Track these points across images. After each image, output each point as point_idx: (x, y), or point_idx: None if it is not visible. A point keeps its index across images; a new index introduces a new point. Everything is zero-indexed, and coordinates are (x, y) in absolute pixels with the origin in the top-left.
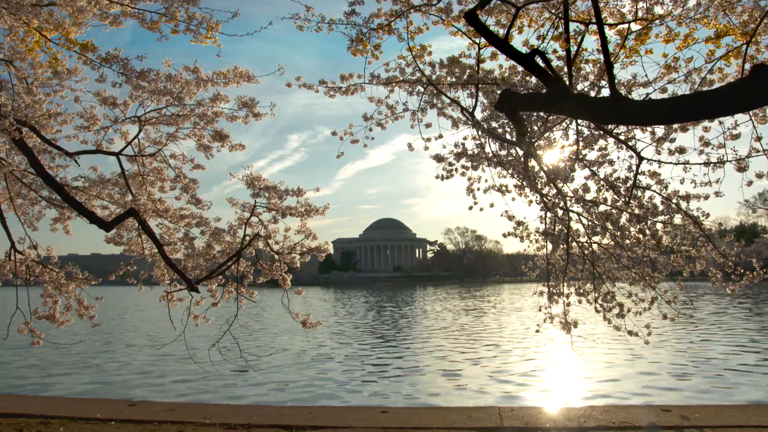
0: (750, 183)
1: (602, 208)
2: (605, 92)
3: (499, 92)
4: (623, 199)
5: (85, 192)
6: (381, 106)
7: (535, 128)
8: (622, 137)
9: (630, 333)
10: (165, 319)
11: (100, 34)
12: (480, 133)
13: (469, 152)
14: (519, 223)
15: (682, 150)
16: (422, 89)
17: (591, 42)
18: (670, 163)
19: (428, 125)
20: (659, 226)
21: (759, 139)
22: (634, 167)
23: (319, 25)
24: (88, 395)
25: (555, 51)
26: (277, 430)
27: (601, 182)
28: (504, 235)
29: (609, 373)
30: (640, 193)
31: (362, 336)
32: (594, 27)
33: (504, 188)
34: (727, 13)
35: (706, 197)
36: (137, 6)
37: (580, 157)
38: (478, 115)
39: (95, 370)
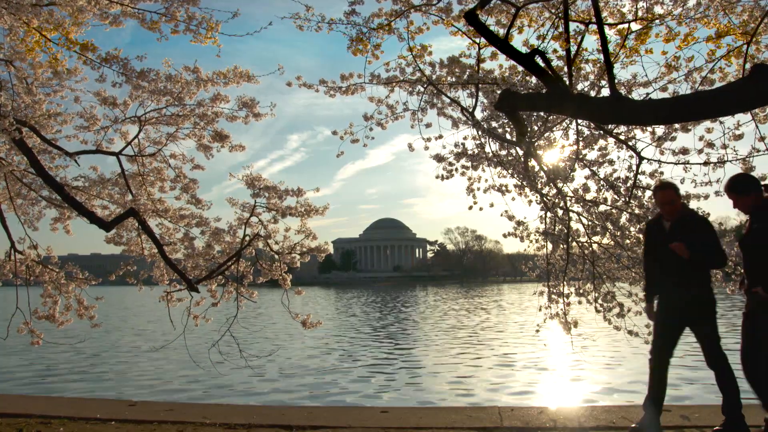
0: None
1: (602, 208)
2: (605, 92)
3: (499, 92)
4: (623, 199)
5: (85, 192)
6: (381, 105)
7: (535, 128)
8: (622, 137)
9: (630, 333)
10: (165, 319)
11: (101, 34)
12: (480, 132)
13: (469, 152)
14: (519, 223)
15: (685, 151)
16: (422, 89)
17: (591, 42)
18: (671, 162)
19: (428, 125)
20: None
21: (762, 139)
22: (634, 167)
23: (319, 24)
24: (88, 395)
25: (555, 51)
26: (277, 430)
27: (601, 182)
28: (504, 235)
29: (609, 372)
30: (640, 193)
31: (362, 335)
32: (594, 27)
33: (504, 188)
34: (726, 12)
35: (706, 197)
36: (137, 6)
37: (580, 157)
38: (478, 115)
39: (95, 370)
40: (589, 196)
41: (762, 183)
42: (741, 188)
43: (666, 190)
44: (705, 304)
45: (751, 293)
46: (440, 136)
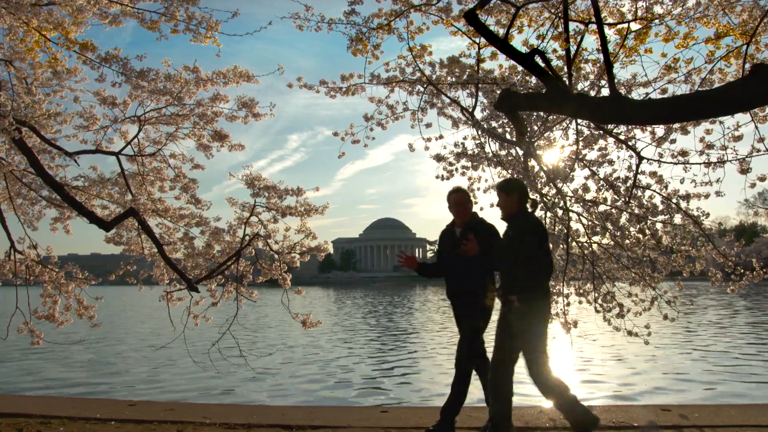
0: (753, 185)
1: (602, 208)
2: (605, 92)
3: (498, 92)
4: (623, 199)
5: (84, 192)
6: (381, 105)
7: (535, 128)
8: (622, 137)
9: (630, 333)
10: (165, 319)
11: (102, 34)
12: (480, 132)
13: (469, 152)
14: None
15: (684, 153)
16: (422, 89)
17: (591, 42)
18: (671, 162)
19: (428, 125)
20: (659, 225)
21: (762, 140)
22: (634, 167)
23: (319, 24)
24: (88, 395)
25: (555, 51)
26: (277, 429)
27: (601, 182)
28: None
29: (609, 372)
30: (640, 193)
31: (362, 336)
32: (594, 26)
33: None
34: (726, 12)
35: (706, 196)
36: (137, 5)
37: (580, 156)
38: (478, 114)
39: (95, 370)
40: (588, 196)
41: (530, 197)
42: (508, 188)
43: (460, 193)
44: (473, 307)
45: (508, 301)
46: (440, 136)
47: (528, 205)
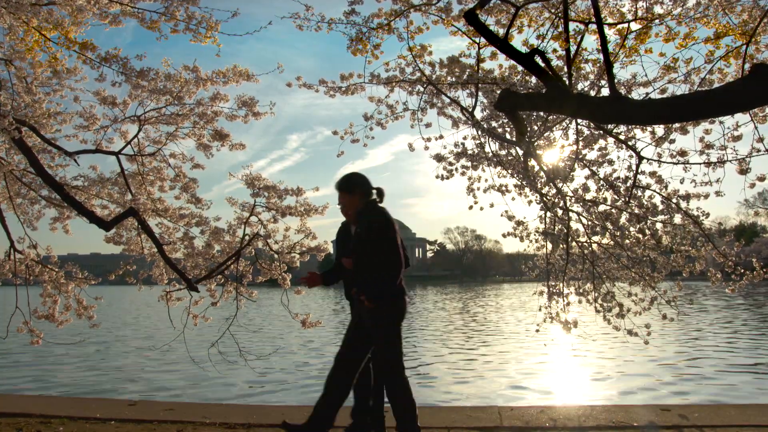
0: (753, 185)
1: (602, 207)
2: (605, 92)
3: (498, 92)
4: (623, 199)
5: (84, 191)
6: (381, 105)
7: (535, 128)
8: (621, 137)
9: (630, 333)
10: (164, 319)
11: (102, 34)
12: (480, 132)
13: (469, 152)
14: (519, 223)
15: (684, 153)
16: (422, 89)
17: (591, 42)
18: (670, 162)
19: (428, 125)
20: (659, 225)
21: (761, 140)
22: (633, 167)
23: (319, 24)
24: (88, 395)
25: (555, 50)
26: (277, 429)
27: (601, 182)
28: (504, 235)
29: (609, 372)
30: (640, 193)
31: None
32: (594, 26)
33: (504, 188)
34: (726, 12)
35: (706, 196)
36: (137, 5)
37: (580, 156)
38: (478, 114)
39: (95, 370)
40: (588, 196)
41: (374, 187)
42: (348, 187)
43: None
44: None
45: (359, 300)
46: (440, 136)
47: (375, 196)
